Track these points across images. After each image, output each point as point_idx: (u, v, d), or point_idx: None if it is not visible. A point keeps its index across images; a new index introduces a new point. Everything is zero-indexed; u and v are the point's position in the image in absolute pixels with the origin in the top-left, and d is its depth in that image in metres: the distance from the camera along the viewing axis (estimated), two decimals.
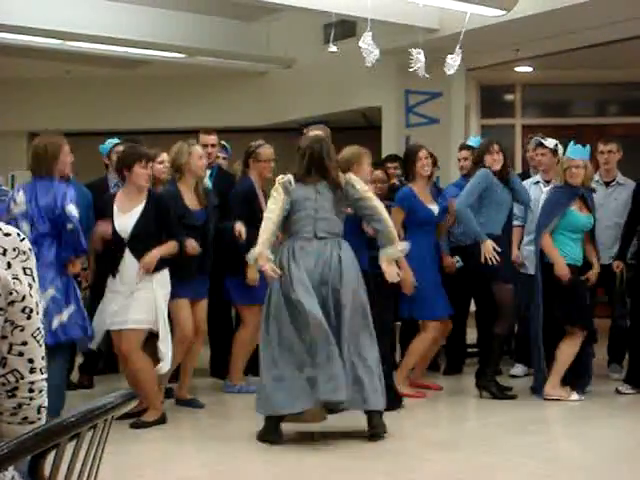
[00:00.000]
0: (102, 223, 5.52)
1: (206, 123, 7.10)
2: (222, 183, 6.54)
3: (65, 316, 5.12)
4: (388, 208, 6.52)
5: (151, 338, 5.39)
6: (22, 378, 1.81)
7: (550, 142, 6.85)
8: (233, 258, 6.07)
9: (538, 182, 6.90)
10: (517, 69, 9.97)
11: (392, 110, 9.26)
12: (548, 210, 6.19)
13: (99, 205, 5.73)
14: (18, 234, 1.85)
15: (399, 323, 6.87)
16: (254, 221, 6.18)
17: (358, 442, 4.92)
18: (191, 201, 5.85)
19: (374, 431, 4.95)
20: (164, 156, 5.99)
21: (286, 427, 5.04)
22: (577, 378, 6.17)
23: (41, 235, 5.15)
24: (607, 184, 6.92)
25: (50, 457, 1.66)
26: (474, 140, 7.39)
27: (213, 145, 6.69)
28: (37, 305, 1.84)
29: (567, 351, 6.04)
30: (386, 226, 5.09)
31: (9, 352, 1.80)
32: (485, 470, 4.57)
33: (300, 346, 4.86)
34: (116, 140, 6.64)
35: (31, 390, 1.83)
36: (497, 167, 6.15)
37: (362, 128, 9.98)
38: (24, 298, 1.80)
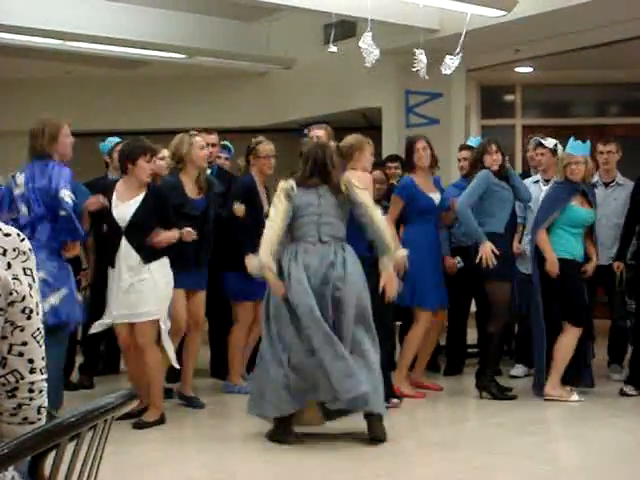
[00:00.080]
0: (93, 198, 5.50)
1: (206, 123, 7.10)
2: (222, 183, 6.54)
3: (56, 299, 5.03)
4: (385, 209, 6.56)
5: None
6: (22, 378, 1.81)
7: (549, 142, 6.85)
8: (229, 253, 6.08)
9: (538, 181, 6.91)
10: (517, 69, 9.97)
11: (392, 110, 9.27)
12: (547, 206, 6.19)
13: (99, 190, 5.63)
14: (18, 234, 1.85)
15: (399, 323, 6.87)
16: (254, 217, 6.21)
17: (358, 442, 4.92)
18: (192, 191, 5.86)
19: (374, 435, 4.94)
20: (165, 152, 6.01)
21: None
22: (577, 376, 6.17)
23: (37, 217, 5.11)
24: (606, 185, 6.91)
25: (50, 457, 1.66)
26: (474, 140, 7.39)
27: (214, 145, 6.69)
28: (37, 305, 1.83)
29: (564, 348, 6.03)
30: (380, 236, 5.03)
31: (9, 352, 1.80)
32: (485, 470, 4.57)
33: (299, 346, 4.86)
34: (117, 139, 6.63)
35: (31, 390, 1.83)
36: (495, 167, 6.16)
37: (362, 128, 9.94)
38: (24, 298, 1.80)
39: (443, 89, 8.76)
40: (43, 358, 1.85)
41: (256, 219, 6.26)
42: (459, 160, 7.24)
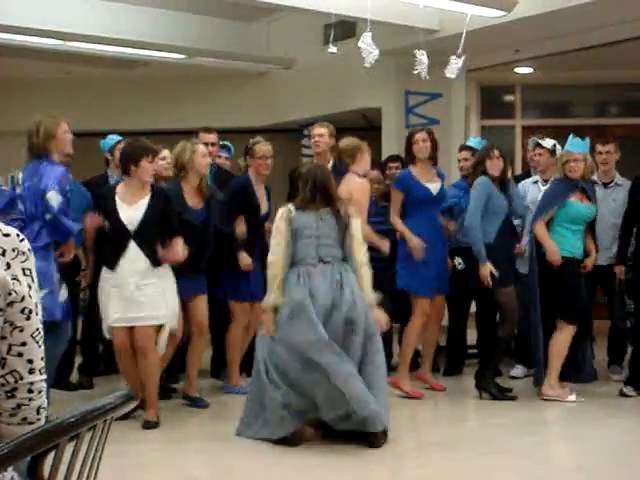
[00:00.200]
0: (91, 216, 5.50)
1: (206, 124, 7.08)
2: (221, 182, 6.54)
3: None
4: (384, 208, 6.59)
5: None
6: (21, 379, 1.81)
7: (548, 142, 6.84)
8: (225, 253, 6.09)
9: (537, 182, 6.90)
10: (517, 70, 9.96)
11: (392, 111, 9.26)
12: (546, 201, 6.19)
13: (97, 197, 5.65)
14: (17, 234, 1.85)
15: (398, 325, 6.87)
16: (250, 217, 6.22)
17: (358, 442, 4.91)
18: (192, 200, 5.86)
19: (376, 445, 4.89)
20: (166, 152, 6.02)
21: None
22: (577, 372, 6.18)
23: (28, 216, 5.10)
24: (605, 185, 6.90)
25: (50, 458, 1.66)
26: (474, 141, 7.39)
27: (213, 144, 6.69)
28: (36, 306, 1.83)
29: (559, 345, 6.03)
30: (358, 270, 5.04)
31: (8, 353, 1.80)
32: (485, 470, 4.57)
33: (296, 363, 4.86)
34: (117, 137, 6.62)
35: (30, 391, 1.83)
36: (496, 173, 6.14)
37: (362, 129, 9.97)
38: (23, 299, 1.80)
39: (443, 89, 8.76)
40: (42, 358, 1.85)
41: (252, 219, 6.28)
42: (459, 160, 7.24)
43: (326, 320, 4.86)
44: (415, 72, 6.86)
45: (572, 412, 5.88)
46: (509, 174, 6.41)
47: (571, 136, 6.16)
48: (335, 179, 5.35)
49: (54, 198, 5.02)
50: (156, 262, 5.32)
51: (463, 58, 6.99)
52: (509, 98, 10.70)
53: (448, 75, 7.05)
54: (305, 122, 10.07)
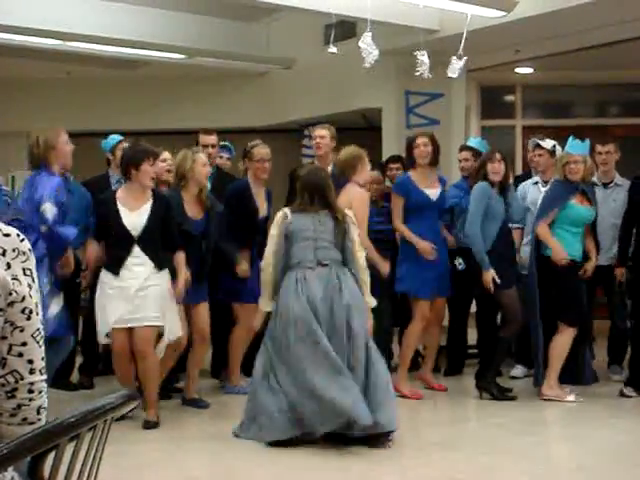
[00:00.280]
0: (92, 246, 5.57)
1: (206, 124, 7.09)
2: (221, 184, 6.54)
3: None
4: (384, 208, 6.59)
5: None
6: (22, 379, 1.81)
7: (547, 143, 6.83)
8: (224, 256, 6.09)
9: (537, 182, 6.89)
10: (517, 70, 9.96)
11: (392, 111, 9.25)
12: (547, 204, 6.18)
13: (98, 204, 5.67)
14: (18, 235, 1.85)
15: (398, 327, 6.88)
16: (247, 220, 6.21)
17: (358, 442, 4.90)
18: (192, 210, 5.85)
19: (379, 447, 4.90)
20: (166, 154, 6.01)
21: None
22: (577, 374, 6.18)
23: (26, 227, 5.10)
24: (605, 185, 6.90)
25: (50, 458, 1.66)
26: (474, 141, 7.38)
27: (213, 145, 6.69)
28: (37, 306, 1.83)
29: (560, 346, 6.03)
30: (359, 275, 5.08)
31: (9, 353, 1.80)
32: (485, 470, 4.57)
33: (295, 371, 4.86)
34: (119, 137, 6.61)
35: (30, 391, 1.83)
36: (497, 178, 6.13)
37: (362, 129, 9.97)
38: (24, 299, 1.80)
39: (443, 89, 8.76)
40: (43, 359, 1.85)
41: (250, 223, 6.27)
42: (459, 161, 7.23)
43: (330, 333, 4.84)
44: (417, 73, 6.86)
45: (572, 412, 5.88)
46: (510, 179, 6.41)
47: (571, 138, 6.16)
48: (335, 190, 5.34)
49: (49, 210, 5.03)
50: (160, 265, 5.33)
51: (465, 59, 6.99)
52: (509, 98, 10.70)
53: (450, 74, 7.05)
54: (305, 122, 10.07)
